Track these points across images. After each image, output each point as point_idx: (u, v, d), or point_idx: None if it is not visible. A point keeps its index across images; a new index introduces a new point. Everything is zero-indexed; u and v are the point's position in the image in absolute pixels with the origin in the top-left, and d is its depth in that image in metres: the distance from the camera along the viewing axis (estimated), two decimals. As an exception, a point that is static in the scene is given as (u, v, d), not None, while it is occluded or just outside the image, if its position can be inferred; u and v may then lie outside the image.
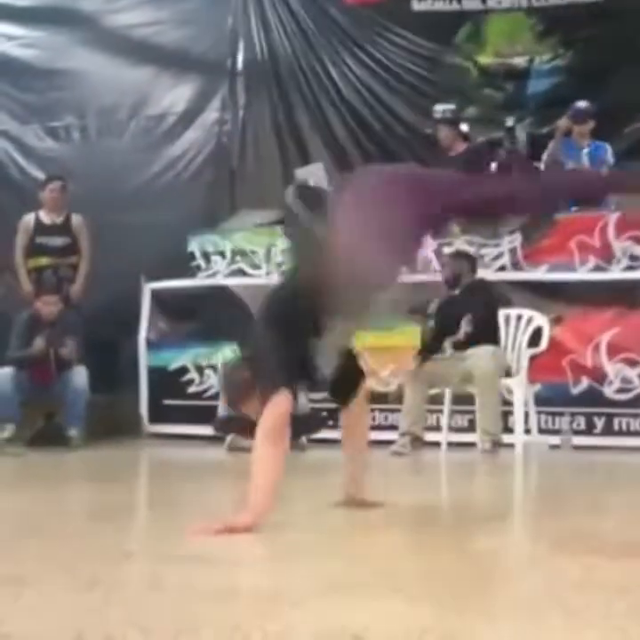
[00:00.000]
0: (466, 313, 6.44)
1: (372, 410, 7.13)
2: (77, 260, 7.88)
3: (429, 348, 6.60)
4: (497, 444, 6.18)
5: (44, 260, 7.85)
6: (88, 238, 7.93)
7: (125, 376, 7.94)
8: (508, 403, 6.43)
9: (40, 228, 7.91)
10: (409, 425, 6.37)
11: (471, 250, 6.96)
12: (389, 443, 6.48)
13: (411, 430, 6.36)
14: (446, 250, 6.98)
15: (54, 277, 7.79)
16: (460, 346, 6.46)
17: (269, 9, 9.21)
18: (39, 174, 9.21)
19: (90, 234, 7.94)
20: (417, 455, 6.26)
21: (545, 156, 7.82)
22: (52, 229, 7.91)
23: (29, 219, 7.97)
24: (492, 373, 6.27)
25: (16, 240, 7.93)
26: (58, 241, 7.88)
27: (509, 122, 8.08)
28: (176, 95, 9.29)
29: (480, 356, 6.32)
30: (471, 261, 6.81)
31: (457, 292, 6.71)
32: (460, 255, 6.82)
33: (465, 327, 6.42)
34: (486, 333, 6.44)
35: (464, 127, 8.13)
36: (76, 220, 7.96)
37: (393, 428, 6.96)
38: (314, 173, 7.98)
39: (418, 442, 6.37)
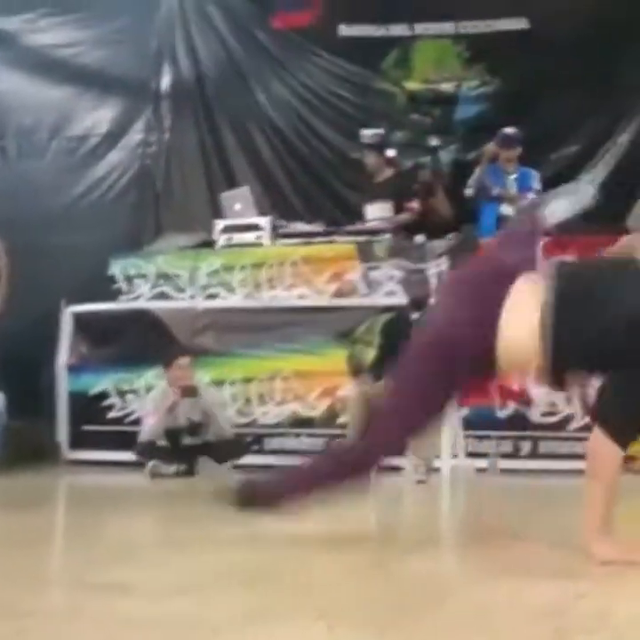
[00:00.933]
0: None
1: (300, 434, 7.08)
2: None
3: (376, 371, 6.50)
4: (430, 470, 6.12)
5: None
6: (6, 262, 7.74)
7: (44, 401, 7.75)
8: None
9: None
10: None
11: None
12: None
13: None
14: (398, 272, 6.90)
15: None
16: None
17: (195, 31, 9.16)
18: (-45, 197, 9.02)
19: (8, 257, 7.75)
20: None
21: (471, 181, 7.85)
22: None
23: None
24: None
25: None
26: None
27: (433, 141, 8.14)
28: (99, 116, 9.17)
29: None
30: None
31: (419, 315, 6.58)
32: (427, 278, 6.75)
33: None
34: None
35: (391, 153, 8.15)
36: None
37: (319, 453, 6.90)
38: (240, 197, 7.93)
39: None
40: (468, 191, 7.87)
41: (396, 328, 6.63)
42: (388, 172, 7.99)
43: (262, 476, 4.00)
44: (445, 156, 8.25)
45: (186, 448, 6.74)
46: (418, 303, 6.62)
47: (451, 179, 8.20)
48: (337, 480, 3.45)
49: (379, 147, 8.06)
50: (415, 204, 7.77)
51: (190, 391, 6.72)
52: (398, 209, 7.74)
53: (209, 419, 6.78)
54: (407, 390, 3.41)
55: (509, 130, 7.76)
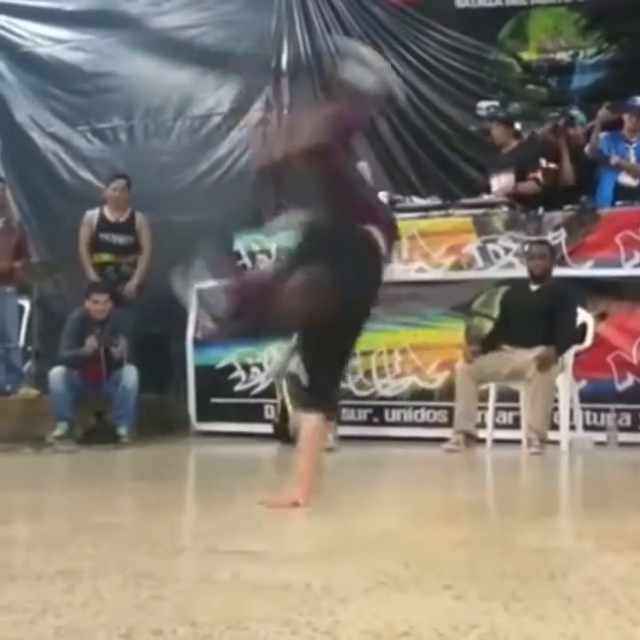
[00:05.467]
0: (543, 311, 6.41)
1: (419, 407, 7.18)
2: (137, 258, 7.99)
3: (491, 343, 6.58)
4: (544, 442, 6.17)
5: (105, 257, 7.97)
6: (149, 237, 8.02)
7: (174, 375, 8.01)
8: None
9: (104, 224, 8.01)
10: (463, 423, 6.38)
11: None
12: (436, 440, 6.52)
13: (464, 428, 6.37)
14: (531, 245, 6.93)
15: (115, 274, 7.91)
16: (517, 344, 6.45)
17: (313, 8, 9.23)
18: (88, 176, 9.37)
19: (151, 232, 8.03)
20: (469, 452, 6.28)
21: (587, 149, 7.76)
22: (116, 227, 8.02)
23: (93, 214, 8.06)
24: (551, 372, 6.25)
25: (80, 234, 8.01)
26: (121, 239, 8.00)
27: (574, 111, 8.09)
28: (221, 95, 9.34)
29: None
30: (554, 258, 6.81)
31: (536, 288, 6.66)
32: (550, 250, 6.79)
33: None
34: (548, 334, 6.38)
35: (518, 125, 8.14)
36: (140, 218, 8.07)
37: (439, 425, 7.00)
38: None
39: (470, 439, 6.38)
40: (587, 150, 7.77)
41: (514, 300, 6.71)
42: (514, 144, 7.98)
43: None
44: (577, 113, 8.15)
45: None
46: (538, 276, 6.67)
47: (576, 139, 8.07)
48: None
49: (507, 120, 8.06)
50: (539, 175, 7.73)
51: None
52: (522, 179, 7.71)
53: None
54: None
55: None
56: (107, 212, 8.07)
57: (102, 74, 9.63)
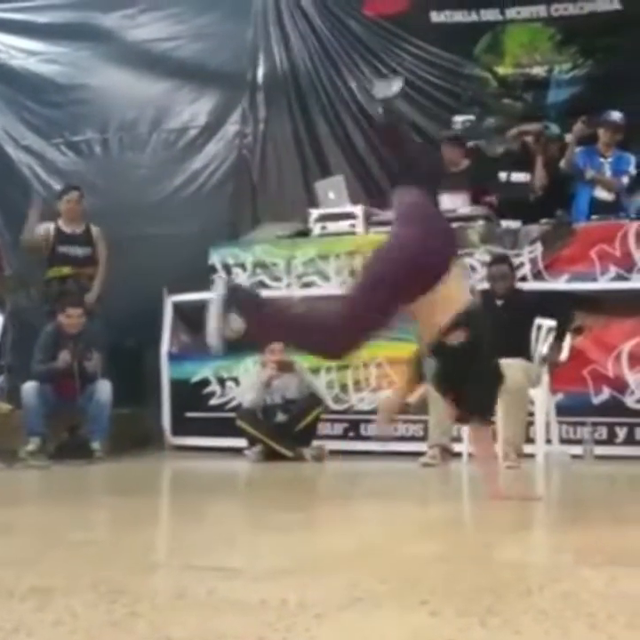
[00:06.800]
0: (508, 324, 6.41)
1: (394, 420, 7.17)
2: (95, 271, 7.92)
3: None
4: (520, 456, 6.17)
5: (65, 270, 7.86)
6: (105, 248, 7.94)
7: (148, 389, 7.98)
8: (529, 413, 6.42)
9: (62, 237, 7.89)
10: (438, 436, 6.38)
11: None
12: (413, 454, 6.50)
13: (440, 442, 6.36)
14: (490, 264, 6.94)
15: (76, 286, 7.82)
16: None
17: (289, 22, 9.27)
18: (62, 189, 9.32)
19: (107, 244, 7.96)
20: (446, 466, 6.28)
21: (562, 163, 7.81)
22: (73, 239, 7.91)
23: (49, 227, 7.93)
24: (523, 386, 6.25)
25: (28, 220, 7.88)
26: (79, 251, 7.89)
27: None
28: (197, 109, 9.36)
29: (510, 366, 6.29)
30: (514, 273, 6.85)
31: (500, 303, 6.68)
32: (510, 268, 6.80)
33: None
34: (519, 347, 6.41)
35: (470, 144, 8.17)
36: (95, 231, 7.99)
37: (415, 439, 6.99)
38: (334, 186, 8.02)
39: (446, 453, 6.38)
40: (562, 165, 7.81)
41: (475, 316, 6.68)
42: (465, 163, 8.00)
43: (252, 293, 4.70)
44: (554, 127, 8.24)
45: (279, 425, 6.93)
46: (501, 295, 6.67)
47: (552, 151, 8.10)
48: (305, 333, 4.07)
49: (457, 140, 8.07)
50: (493, 199, 7.76)
51: (286, 366, 6.90)
52: (476, 201, 7.71)
53: (307, 390, 6.96)
54: (378, 288, 3.97)
55: (617, 114, 7.66)
56: (62, 224, 7.96)
57: (76, 86, 9.62)
